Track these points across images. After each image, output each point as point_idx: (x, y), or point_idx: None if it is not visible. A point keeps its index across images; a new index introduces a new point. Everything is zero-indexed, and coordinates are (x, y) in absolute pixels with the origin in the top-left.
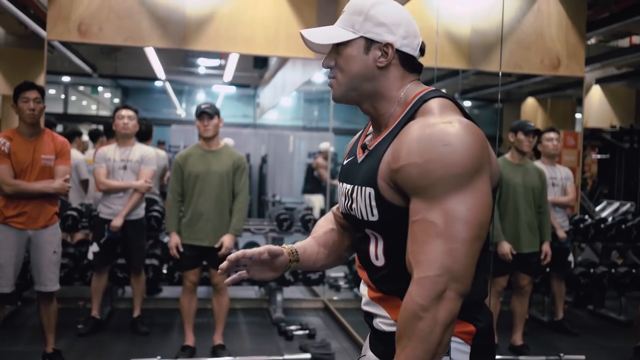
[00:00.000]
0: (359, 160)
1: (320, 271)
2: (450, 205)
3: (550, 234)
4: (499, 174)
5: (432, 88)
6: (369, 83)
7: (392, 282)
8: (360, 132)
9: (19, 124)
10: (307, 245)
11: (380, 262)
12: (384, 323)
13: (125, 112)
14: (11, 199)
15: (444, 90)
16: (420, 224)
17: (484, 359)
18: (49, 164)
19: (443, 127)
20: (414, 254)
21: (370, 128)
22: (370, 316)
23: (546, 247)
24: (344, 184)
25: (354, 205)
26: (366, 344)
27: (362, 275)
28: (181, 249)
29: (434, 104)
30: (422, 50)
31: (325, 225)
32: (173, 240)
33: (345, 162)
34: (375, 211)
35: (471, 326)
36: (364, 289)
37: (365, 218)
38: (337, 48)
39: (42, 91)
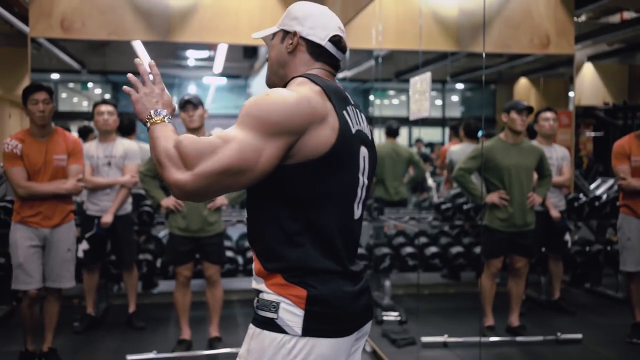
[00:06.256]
0: None
1: None
2: (232, 130)
3: (545, 194)
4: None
5: (316, 74)
6: (282, 68)
7: (251, 234)
8: None
9: (30, 125)
10: None
11: (247, 214)
12: (256, 301)
13: (104, 108)
14: (25, 200)
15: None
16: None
17: (320, 325)
18: (61, 164)
19: (279, 89)
20: None
21: None
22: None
23: (534, 194)
24: None
25: None
26: None
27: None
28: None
29: (297, 79)
30: (336, 44)
31: None
32: (168, 202)
33: None
34: None
35: (303, 290)
36: None
37: None
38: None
39: (50, 91)
